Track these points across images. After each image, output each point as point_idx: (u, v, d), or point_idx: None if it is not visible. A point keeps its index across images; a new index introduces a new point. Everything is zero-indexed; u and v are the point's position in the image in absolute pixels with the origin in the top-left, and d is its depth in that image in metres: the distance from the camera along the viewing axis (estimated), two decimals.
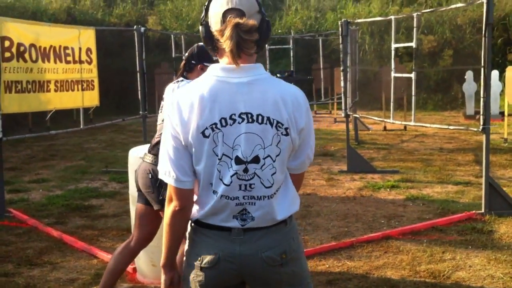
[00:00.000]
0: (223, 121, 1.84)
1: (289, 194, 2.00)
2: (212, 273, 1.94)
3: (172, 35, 10.53)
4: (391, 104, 7.61)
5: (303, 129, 1.93)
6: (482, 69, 5.45)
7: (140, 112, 8.38)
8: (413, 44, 7.00)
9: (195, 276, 1.97)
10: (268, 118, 1.86)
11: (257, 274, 1.96)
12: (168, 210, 1.95)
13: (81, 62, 7.25)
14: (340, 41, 7.93)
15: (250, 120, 1.86)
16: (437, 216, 5.60)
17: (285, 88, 1.93)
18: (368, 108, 14.04)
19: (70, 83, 7.07)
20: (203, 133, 1.84)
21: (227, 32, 1.80)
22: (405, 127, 11.94)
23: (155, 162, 3.13)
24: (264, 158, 1.88)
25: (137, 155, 3.99)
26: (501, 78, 14.42)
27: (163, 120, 2.77)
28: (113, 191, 7.07)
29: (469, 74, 13.86)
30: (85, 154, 9.83)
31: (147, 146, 3.58)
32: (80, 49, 7.22)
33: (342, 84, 7.94)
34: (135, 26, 8.38)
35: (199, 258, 1.95)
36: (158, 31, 15.46)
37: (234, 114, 1.85)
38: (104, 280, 3.41)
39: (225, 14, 1.86)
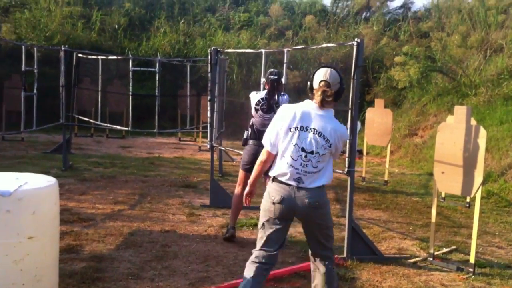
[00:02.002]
0: (301, 127, 3.53)
1: (325, 174, 3.61)
2: (277, 207, 3.55)
3: (23, 46, 9.49)
4: None
5: (338, 148, 3.64)
6: (350, 111, 5.38)
7: None
8: (282, 79, 6.79)
9: (270, 207, 3.59)
10: (323, 135, 3.53)
11: (303, 210, 3.55)
12: (261, 159, 3.66)
13: None
14: (209, 70, 7.60)
15: (314, 132, 3.53)
16: (300, 259, 5.37)
17: (338, 125, 3.61)
18: (233, 138, 13.90)
19: None
20: (290, 129, 3.54)
21: (319, 92, 3.55)
22: None
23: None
24: (315, 153, 3.53)
25: None
26: (359, 117, 15.11)
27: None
28: None
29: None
30: None
31: None
32: None
33: (208, 114, 7.59)
34: None
35: (272, 198, 3.56)
36: (9, 41, 14.09)
37: (308, 127, 3.53)
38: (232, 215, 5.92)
39: (320, 82, 3.57)
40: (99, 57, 12.88)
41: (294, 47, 11.21)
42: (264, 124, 5.62)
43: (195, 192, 8.47)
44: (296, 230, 6.48)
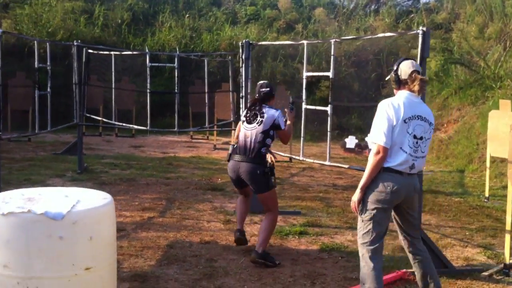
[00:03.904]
0: (412, 116, 3.74)
1: (424, 159, 3.88)
2: (394, 194, 3.73)
3: (36, 42, 8.85)
4: (301, 138, 6.82)
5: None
6: None
7: None
8: (330, 74, 6.23)
9: (385, 196, 3.72)
10: (427, 119, 3.83)
11: (410, 194, 3.83)
12: (376, 158, 3.69)
13: None
14: (241, 64, 7.03)
15: (421, 119, 3.78)
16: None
17: (428, 108, 3.96)
18: None
19: None
20: (404, 120, 3.71)
21: (416, 81, 3.81)
22: (290, 159, 11.33)
23: (261, 162, 5.04)
24: (424, 138, 3.79)
25: None
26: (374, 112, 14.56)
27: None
28: None
29: None
30: None
31: (6, 193, 3.12)
32: None
33: (241, 112, 7.01)
34: None
35: (388, 187, 3.71)
36: (20, 36, 13.44)
37: (415, 115, 3.76)
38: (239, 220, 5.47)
39: (412, 72, 3.82)
40: (112, 52, 12.20)
41: (342, 38, 10.29)
42: (246, 135, 5.14)
43: (224, 195, 7.90)
44: (346, 239, 5.94)
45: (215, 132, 13.28)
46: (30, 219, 2.62)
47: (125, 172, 9.29)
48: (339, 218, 6.79)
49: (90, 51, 10.85)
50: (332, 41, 6.30)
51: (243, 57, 6.94)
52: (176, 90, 11.06)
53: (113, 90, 12.51)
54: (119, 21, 18.22)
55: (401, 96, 3.79)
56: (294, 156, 8.47)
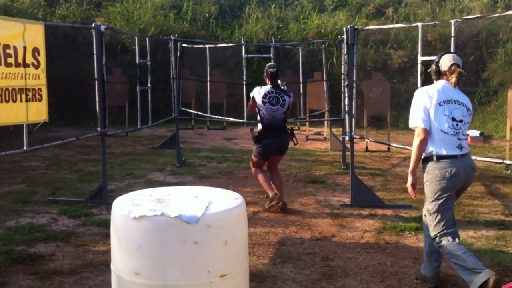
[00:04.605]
0: (447, 100, 3.99)
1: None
2: (455, 178, 3.90)
3: (136, 38, 8.92)
4: None
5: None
6: None
7: (98, 129, 6.80)
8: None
9: (446, 184, 3.89)
10: (465, 104, 4.04)
11: (469, 176, 4.04)
12: (417, 140, 3.95)
13: (25, 65, 5.63)
14: (345, 51, 6.71)
15: (457, 103, 4.01)
16: (500, 276, 4.37)
17: (465, 96, 4.12)
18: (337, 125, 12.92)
19: (11, 92, 5.44)
20: (439, 103, 3.96)
21: (454, 73, 4.03)
22: (388, 148, 10.88)
23: (287, 132, 6.47)
24: (463, 122, 3.99)
25: (127, 213, 2.53)
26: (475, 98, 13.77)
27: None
28: (66, 230, 5.49)
29: None
30: (25, 176, 8.10)
31: (133, 194, 3.10)
32: (25, 48, 5.60)
33: (346, 101, 6.70)
34: (93, 24, 6.81)
35: (446, 173, 3.88)
36: (121, 32, 13.79)
37: (451, 99, 4.00)
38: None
39: (452, 65, 4.05)
40: (207, 46, 12.19)
41: (464, 17, 9.48)
42: (273, 116, 6.17)
43: (326, 188, 7.63)
44: (468, 235, 5.50)
45: (307, 123, 12.99)
46: (164, 223, 2.48)
47: (222, 165, 9.22)
48: (456, 212, 6.31)
49: (184, 45, 10.88)
50: (452, 21, 5.84)
51: (348, 43, 6.58)
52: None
53: (208, 83, 12.49)
54: (207, 14, 18.32)
55: (437, 84, 4.08)
56: (394, 145, 8.06)
